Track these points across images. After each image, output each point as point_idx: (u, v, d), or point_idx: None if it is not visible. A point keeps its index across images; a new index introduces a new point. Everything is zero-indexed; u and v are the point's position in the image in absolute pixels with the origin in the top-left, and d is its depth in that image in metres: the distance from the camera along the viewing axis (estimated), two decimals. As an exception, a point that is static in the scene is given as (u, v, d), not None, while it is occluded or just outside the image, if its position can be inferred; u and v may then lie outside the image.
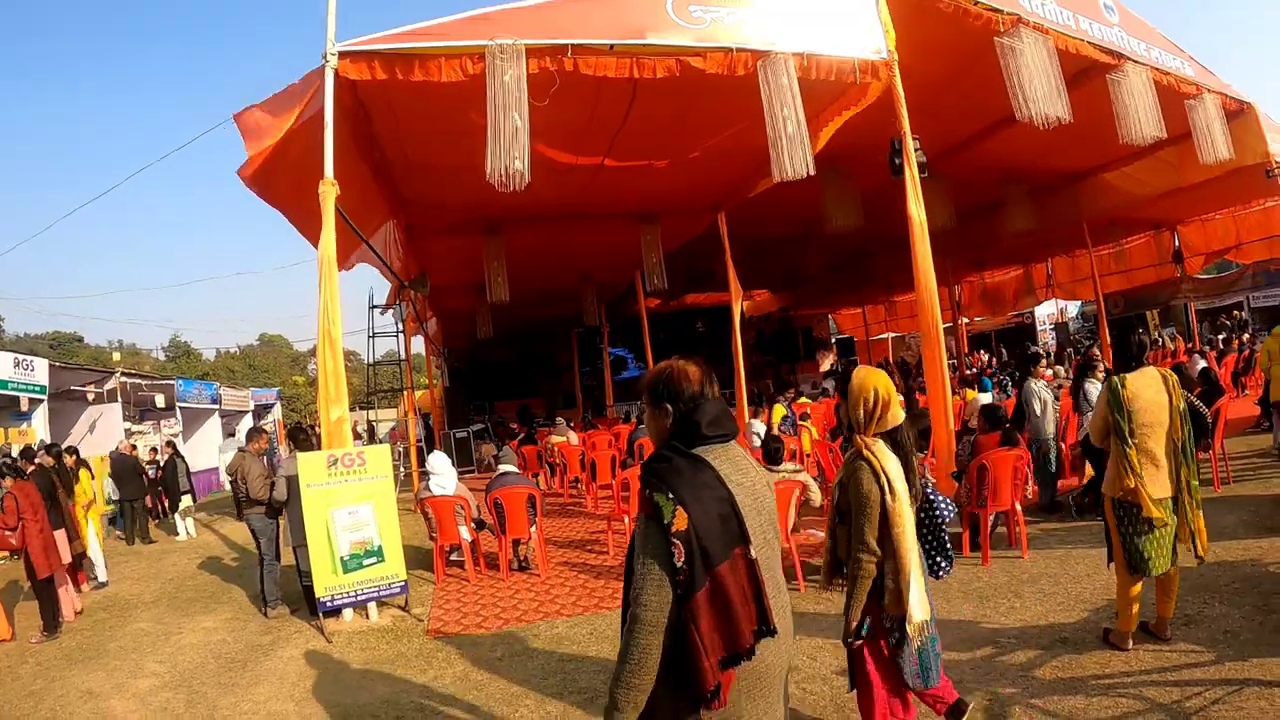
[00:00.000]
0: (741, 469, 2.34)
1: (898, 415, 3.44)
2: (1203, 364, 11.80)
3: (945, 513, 3.69)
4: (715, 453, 2.30)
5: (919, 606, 3.31)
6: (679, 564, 2.11)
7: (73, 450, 11.64)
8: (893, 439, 3.43)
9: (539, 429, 18.27)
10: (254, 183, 8.30)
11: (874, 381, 3.45)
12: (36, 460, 10.29)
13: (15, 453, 13.46)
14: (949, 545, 3.73)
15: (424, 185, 11.22)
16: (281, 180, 8.33)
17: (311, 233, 7.72)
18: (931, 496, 3.67)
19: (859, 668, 3.52)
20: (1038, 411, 8.62)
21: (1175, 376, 4.66)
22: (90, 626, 8.34)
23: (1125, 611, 4.72)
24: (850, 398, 3.50)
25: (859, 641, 3.43)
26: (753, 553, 2.22)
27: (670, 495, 2.16)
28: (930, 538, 3.68)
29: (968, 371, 22.53)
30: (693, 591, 2.12)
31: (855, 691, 3.60)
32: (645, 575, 2.16)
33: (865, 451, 3.39)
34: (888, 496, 3.29)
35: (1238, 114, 12.25)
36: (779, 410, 12.36)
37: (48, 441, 12.98)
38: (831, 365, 31.60)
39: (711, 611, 2.14)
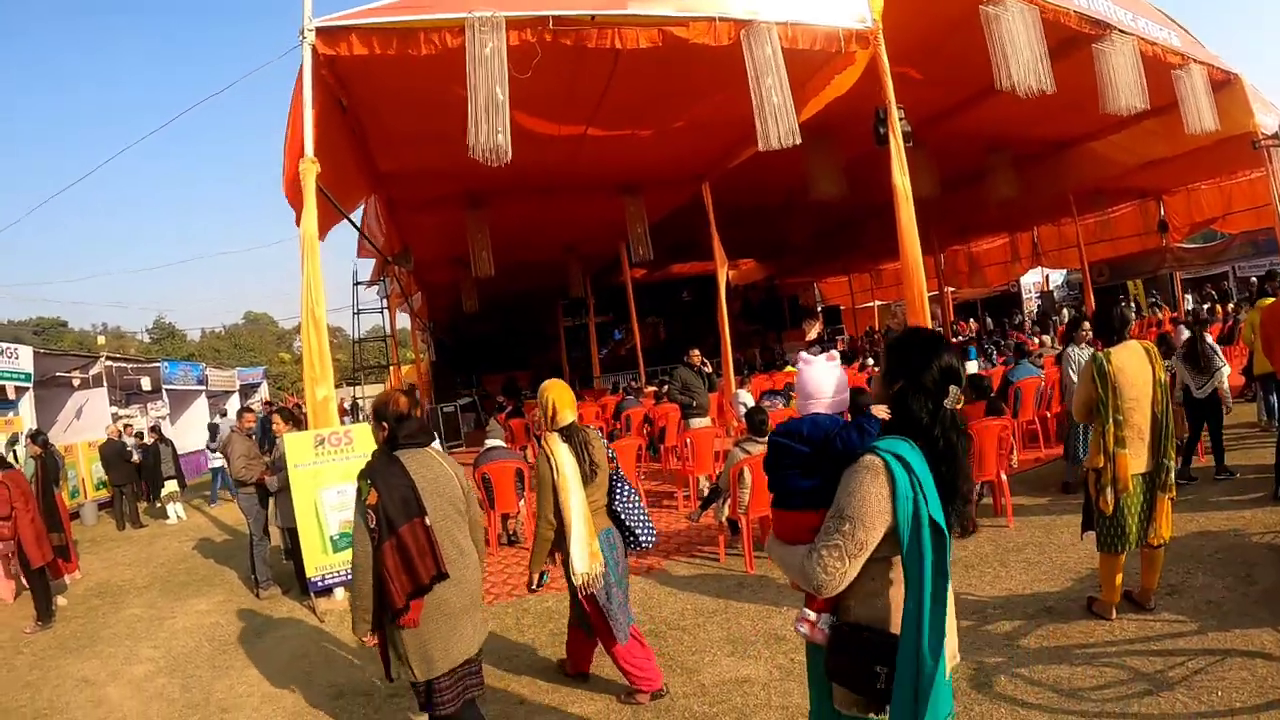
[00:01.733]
0: (427, 465, 3.51)
1: (567, 417, 4.40)
2: (1187, 334, 11.81)
3: (628, 494, 4.59)
4: (408, 454, 3.49)
5: (581, 562, 4.17)
6: (371, 526, 3.29)
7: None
8: (565, 433, 4.34)
9: (525, 402, 18.23)
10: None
11: (549, 393, 4.44)
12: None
13: (2, 443, 13.39)
14: (639, 525, 4.56)
15: (405, 159, 11.11)
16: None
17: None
18: (616, 484, 4.57)
19: (583, 613, 4.46)
20: (1074, 378, 7.69)
21: (1156, 349, 4.68)
22: (84, 614, 8.33)
23: (1109, 583, 4.77)
24: (538, 403, 4.55)
25: (538, 589, 4.56)
26: (428, 522, 3.36)
27: (368, 481, 3.37)
28: (619, 516, 4.55)
29: (954, 340, 22.55)
30: (381, 544, 3.26)
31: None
32: (356, 533, 3.39)
33: (542, 443, 4.35)
34: (556, 476, 4.21)
35: (1224, 85, 12.22)
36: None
37: (34, 429, 12.87)
38: (818, 334, 31.63)
39: (397, 557, 3.27)
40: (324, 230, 8.75)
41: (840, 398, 2.66)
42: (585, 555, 4.19)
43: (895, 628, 2.16)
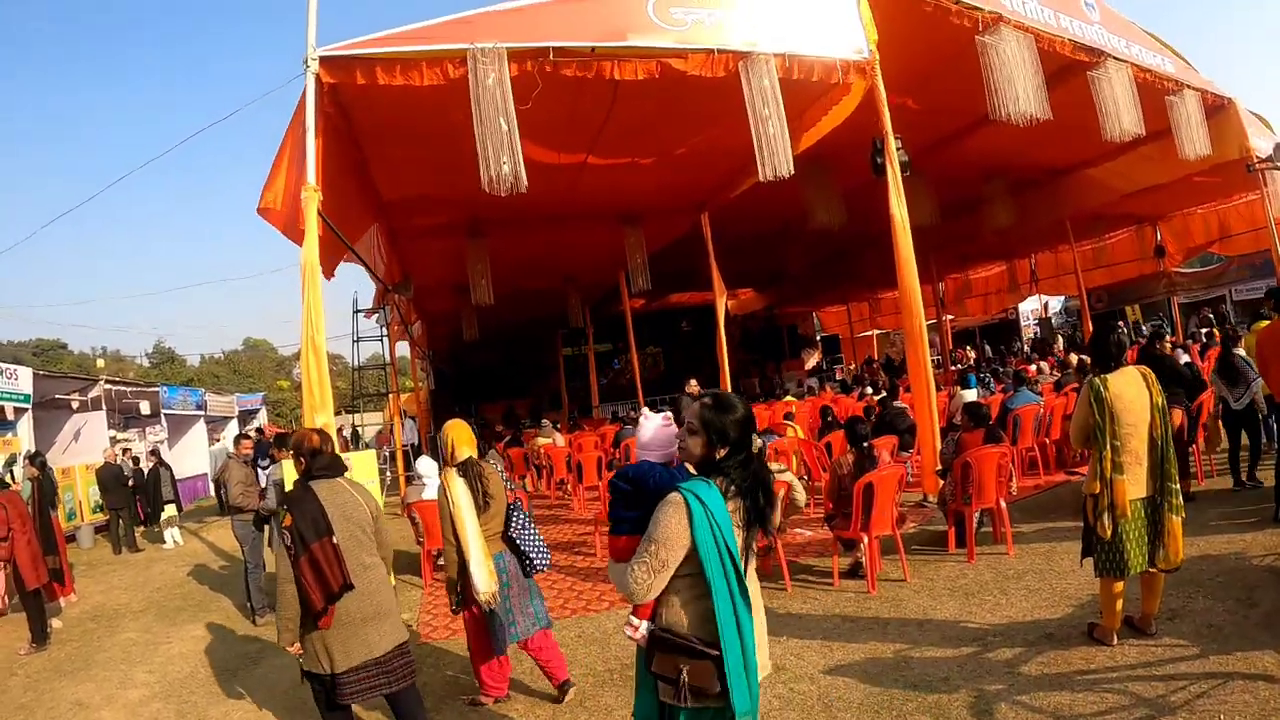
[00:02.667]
0: (336, 492, 4.13)
1: (464, 453, 5.01)
2: (1186, 358, 11.85)
3: (522, 523, 5.06)
4: (319, 484, 4.10)
5: (481, 582, 4.64)
6: (288, 544, 3.87)
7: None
8: (462, 468, 4.91)
9: (525, 431, 18.22)
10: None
11: (449, 433, 5.07)
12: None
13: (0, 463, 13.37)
14: (532, 549, 5.04)
15: (406, 187, 11.16)
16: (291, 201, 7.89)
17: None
18: (512, 513, 5.06)
19: (467, 631, 5.05)
20: None
21: (1153, 374, 4.69)
22: (79, 637, 8.30)
23: (1109, 608, 4.75)
24: (440, 441, 5.18)
25: (462, 611, 4.93)
26: (335, 540, 3.93)
27: (285, 507, 3.99)
28: (515, 542, 5.02)
29: (954, 367, 22.52)
30: (298, 558, 3.83)
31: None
32: (278, 552, 3.97)
33: (442, 477, 4.91)
34: (452, 507, 4.73)
35: (1218, 109, 12.33)
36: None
37: (32, 450, 12.86)
38: (817, 363, 31.68)
39: (311, 569, 3.84)
40: (330, 266, 8.76)
41: (667, 452, 3.12)
42: (484, 574, 4.69)
43: (694, 631, 2.65)
